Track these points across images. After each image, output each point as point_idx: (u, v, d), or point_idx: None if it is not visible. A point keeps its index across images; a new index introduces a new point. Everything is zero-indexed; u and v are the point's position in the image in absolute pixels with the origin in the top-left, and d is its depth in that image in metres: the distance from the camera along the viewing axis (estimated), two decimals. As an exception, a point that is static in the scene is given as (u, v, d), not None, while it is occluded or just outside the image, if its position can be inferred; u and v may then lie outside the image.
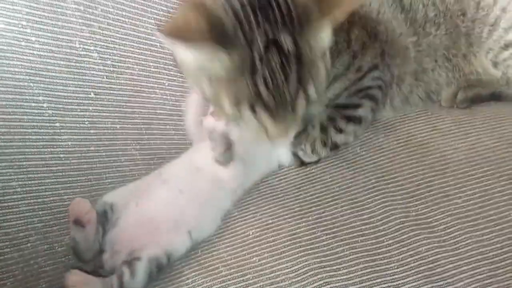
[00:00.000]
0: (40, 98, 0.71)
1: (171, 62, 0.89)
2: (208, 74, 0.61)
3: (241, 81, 0.59)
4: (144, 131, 0.87)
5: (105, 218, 0.69)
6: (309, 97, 0.62)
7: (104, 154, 0.80)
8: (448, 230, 0.76)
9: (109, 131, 0.81)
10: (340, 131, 0.85)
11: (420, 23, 0.92)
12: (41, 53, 0.71)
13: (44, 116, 0.72)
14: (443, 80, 0.97)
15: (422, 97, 0.96)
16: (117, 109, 0.82)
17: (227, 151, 0.73)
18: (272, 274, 0.72)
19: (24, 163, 0.69)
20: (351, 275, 0.72)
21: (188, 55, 0.60)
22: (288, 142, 0.82)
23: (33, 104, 0.71)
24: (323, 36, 0.62)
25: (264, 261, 0.73)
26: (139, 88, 0.86)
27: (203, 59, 0.59)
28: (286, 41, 0.58)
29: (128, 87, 0.85)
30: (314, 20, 0.59)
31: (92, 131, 0.79)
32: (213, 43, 0.56)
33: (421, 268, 0.72)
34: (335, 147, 0.86)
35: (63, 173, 0.74)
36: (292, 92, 0.60)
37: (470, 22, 0.93)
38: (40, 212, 0.71)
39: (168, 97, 0.90)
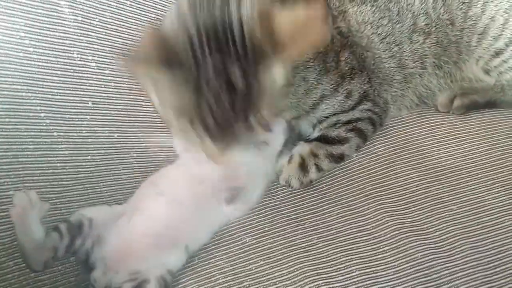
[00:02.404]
0: (38, 108, 0.72)
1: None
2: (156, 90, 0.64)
3: (184, 98, 0.61)
4: (142, 140, 0.87)
5: (77, 230, 0.67)
6: (253, 128, 0.63)
7: (101, 163, 0.80)
8: (444, 237, 0.77)
9: (107, 140, 0.81)
10: (320, 170, 0.86)
11: (407, 33, 0.93)
12: (39, 63, 0.72)
13: (41, 125, 0.72)
14: (434, 85, 0.97)
15: (414, 100, 0.97)
16: (115, 118, 0.83)
17: None
18: (269, 282, 0.72)
19: (21, 172, 0.69)
20: (347, 282, 0.72)
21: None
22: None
23: (31, 114, 0.71)
24: (276, 73, 0.63)
25: (260, 268, 0.74)
26: (137, 97, 0.86)
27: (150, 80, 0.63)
28: (236, 74, 0.59)
29: (126, 96, 0.85)
30: (266, 58, 0.60)
31: (89, 140, 0.79)
32: (157, 64, 0.58)
33: (416, 275, 0.72)
34: (309, 183, 0.86)
35: (60, 182, 0.74)
36: (234, 121, 0.62)
37: (458, 31, 0.94)
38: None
39: (165, 105, 0.90)
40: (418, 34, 0.92)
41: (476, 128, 0.93)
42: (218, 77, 0.59)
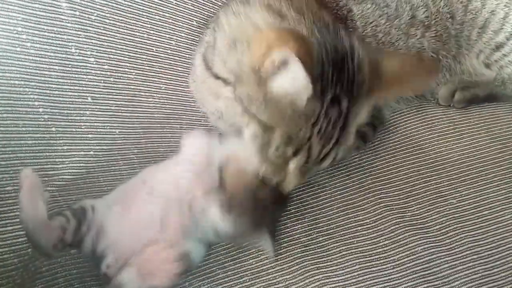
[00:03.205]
0: (36, 103, 0.72)
1: (168, 66, 0.90)
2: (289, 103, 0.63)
3: (301, 125, 0.62)
4: (142, 135, 0.87)
5: (82, 215, 0.66)
6: (337, 156, 0.66)
7: (103, 158, 0.80)
8: (444, 230, 0.77)
9: (109, 135, 0.81)
10: None
11: (404, 29, 0.92)
12: (37, 58, 0.71)
13: (39, 121, 0.72)
14: None
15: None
16: (115, 113, 0.82)
17: None
18: (269, 276, 0.72)
19: (20, 167, 0.68)
20: (347, 276, 0.72)
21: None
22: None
23: (29, 109, 0.71)
24: (366, 110, 0.66)
25: (260, 263, 0.73)
26: (136, 92, 0.86)
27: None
28: (344, 102, 0.62)
29: (126, 92, 0.84)
30: (368, 93, 0.63)
31: (90, 136, 0.78)
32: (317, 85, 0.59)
33: (417, 268, 0.73)
34: None
35: (60, 177, 0.74)
36: (327, 150, 0.64)
37: (458, 25, 0.93)
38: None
39: (165, 100, 0.89)
40: (416, 27, 0.92)
41: (476, 122, 0.93)
42: (332, 107, 0.61)
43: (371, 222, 0.79)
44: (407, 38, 0.91)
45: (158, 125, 0.89)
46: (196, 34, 0.93)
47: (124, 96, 0.83)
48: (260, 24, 0.67)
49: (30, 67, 0.71)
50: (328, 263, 0.74)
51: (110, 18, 0.80)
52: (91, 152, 0.77)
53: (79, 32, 0.76)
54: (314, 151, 0.64)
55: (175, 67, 0.91)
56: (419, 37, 0.92)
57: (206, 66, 0.80)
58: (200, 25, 0.94)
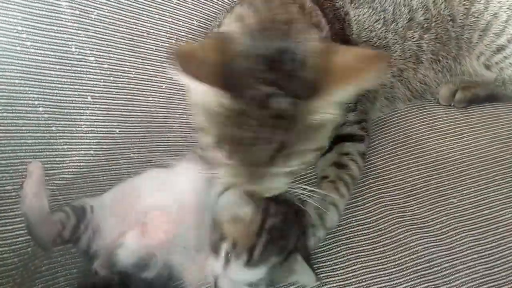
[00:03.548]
0: (36, 102, 0.72)
1: (167, 65, 0.90)
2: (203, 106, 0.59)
3: (228, 124, 0.56)
4: (142, 134, 0.87)
5: (82, 213, 0.66)
6: (288, 163, 0.58)
7: (103, 158, 0.80)
8: (444, 230, 0.77)
9: (109, 134, 0.81)
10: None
11: (401, 32, 0.92)
12: (37, 57, 0.72)
13: (40, 120, 0.72)
14: (430, 79, 0.97)
15: (406, 94, 0.96)
16: (116, 112, 0.83)
17: None
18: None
19: (20, 167, 0.68)
20: (348, 275, 0.72)
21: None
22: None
23: (29, 109, 0.71)
24: (324, 108, 0.58)
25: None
26: (136, 91, 0.86)
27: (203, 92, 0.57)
28: (284, 101, 0.55)
29: (126, 91, 0.85)
30: (319, 90, 0.56)
31: (90, 135, 0.78)
32: (218, 86, 0.54)
33: (417, 268, 0.72)
34: None
35: (60, 176, 0.74)
36: (269, 152, 0.56)
37: (459, 27, 0.93)
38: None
39: (165, 99, 0.90)
40: (414, 30, 0.92)
41: (477, 122, 0.93)
42: (265, 106, 0.54)
43: (371, 221, 0.79)
44: (403, 41, 0.92)
45: (158, 124, 0.89)
46: (197, 33, 0.94)
47: (124, 95, 0.84)
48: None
49: (30, 66, 0.71)
50: (328, 263, 0.73)
51: (109, 17, 0.80)
52: (91, 152, 0.77)
53: (79, 31, 0.76)
54: (248, 154, 0.57)
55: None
56: (416, 39, 0.92)
57: None
58: (200, 24, 0.94)
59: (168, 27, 0.89)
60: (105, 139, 0.80)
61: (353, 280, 0.71)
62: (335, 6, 0.86)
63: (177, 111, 0.91)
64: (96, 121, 0.78)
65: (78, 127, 0.76)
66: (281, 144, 0.56)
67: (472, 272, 0.72)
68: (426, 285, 0.70)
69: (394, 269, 0.72)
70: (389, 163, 0.87)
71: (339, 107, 0.59)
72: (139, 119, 0.86)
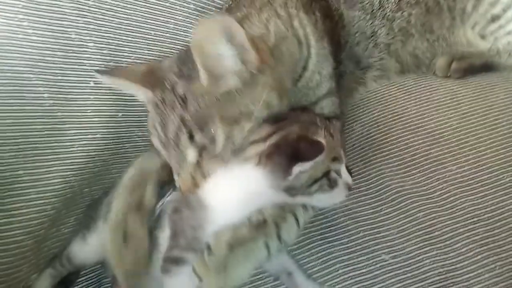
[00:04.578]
0: (40, 88, 0.73)
1: (166, 50, 0.91)
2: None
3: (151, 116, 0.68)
4: (145, 118, 0.88)
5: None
6: (195, 140, 0.63)
7: (111, 141, 0.82)
8: (444, 196, 0.79)
9: (113, 119, 0.83)
10: None
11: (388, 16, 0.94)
12: (39, 45, 0.73)
13: (45, 106, 0.73)
14: (423, 52, 0.98)
15: (398, 67, 0.98)
16: (117, 97, 0.84)
17: None
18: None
19: (30, 152, 0.70)
20: (352, 243, 0.74)
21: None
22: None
23: (35, 95, 0.72)
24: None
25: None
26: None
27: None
28: (179, 87, 0.65)
29: (126, 76, 0.86)
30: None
31: (96, 119, 0.80)
32: (139, 83, 0.69)
33: (419, 233, 0.74)
34: None
35: (71, 161, 0.76)
36: (174, 129, 0.64)
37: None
38: (52, 200, 0.73)
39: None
40: (403, 10, 0.94)
41: (473, 90, 0.94)
42: (168, 94, 0.65)
43: (373, 192, 0.81)
44: (391, 23, 0.93)
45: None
46: (194, 17, 0.94)
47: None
48: None
49: (33, 54, 0.72)
50: (333, 232, 0.76)
51: (107, 3, 0.81)
52: (98, 135, 0.79)
53: (77, 18, 0.77)
54: (159, 133, 0.66)
55: (173, 51, 0.92)
56: (406, 17, 0.93)
57: None
58: (197, 8, 0.95)
59: (165, 11, 0.90)
60: (110, 123, 0.81)
61: (357, 247, 0.74)
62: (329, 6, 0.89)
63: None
64: (100, 105, 0.80)
65: (84, 112, 0.78)
66: (181, 118, 0.63)
67: (473, 235, 0.74)
68: (428, 248, 0.72)
69: (397, 235, 0.75)
70: (388, 135, 0.88)
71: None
72: (141, 103, 0.87)
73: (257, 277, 0.72)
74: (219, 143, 0.63)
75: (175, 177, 0.66)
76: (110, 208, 0.68)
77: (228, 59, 0.61)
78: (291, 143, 0.61)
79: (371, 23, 0.93)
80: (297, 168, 0.59)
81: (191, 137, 0.63)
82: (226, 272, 0.59)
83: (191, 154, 0.64)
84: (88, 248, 0.72)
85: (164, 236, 0.63)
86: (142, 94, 0.71)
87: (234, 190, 0.61)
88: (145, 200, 0.67)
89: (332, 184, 0.64)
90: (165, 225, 0.63)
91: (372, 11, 0.93)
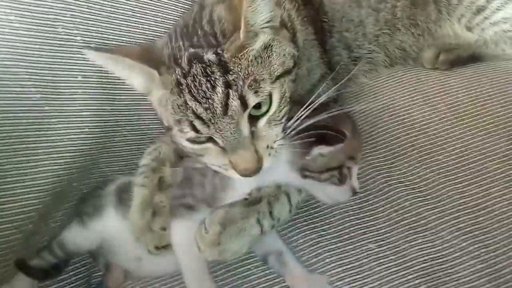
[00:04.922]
0: (28, 83, 0.73)
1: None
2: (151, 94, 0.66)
3: (175, 99, 0.61)
4: (134, 111, 0.89)
5: None
6: (246, 100, 0.59)
7: (98, 135, 0.82)
8: (430, 185, 0.80)
9: (102, 112, 0.83)
10: None
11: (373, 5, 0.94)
12: (26, 38, 0.72)
13: (32, 100, 0.73)
14: (409, 45, 0.99)
15: (387, 60, 0.99)
16: (106, 91, 0.84)
17: None
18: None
19: (17, 146, 0.70)
20: (340, 233, 0.75)
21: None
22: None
23: (22, 89, 0.72)
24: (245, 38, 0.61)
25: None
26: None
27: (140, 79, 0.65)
28: (207, 54, 0.59)
29: (115, 70, 0.86)
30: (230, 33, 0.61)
31: (84, 113, 0.80)
32: (143, 63, 0.62)
33: (405, 221, 0.76)
34: None
35: (60, 155, 0.75)
36: (221, 97, 0.59)
37: None
38: (41, 194, 0.73)
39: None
40: (386, 1, 0.94)
41: (460, 82, 0.95)
42: (194, 65, 0.60)
43: (360, 183, 0.81)
44: (377, 12, 0.94)
45: (148, 102, 0.90)
46: (183, 10, 0.94)
47: (114, 74, 0.85)
48: None
49: (20, 48, 0.72)
50: (321, 222, 0.77)
51: (93, -4, 0.81)
52: (86, 129, 0.79)
53: (64, 12, 0.77)
54: (200, 110, 0.59)
55: (162, 44, 0.92)
56: (390, 8, 0.94)
57: None
58: (185, 1, 0.95)
59: (153, 5, 0.90)
60: (99, 116, 0.81)
61: (345, 237, 0.75)
62: None
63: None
64: (88, 99, 0.80)
65: (71, 106, 0.78)
66: (226, 84, 0.58)
67: (459, 222, 0.75)
68: (414, 236, 0.74)
69: (384, 225, 0.76)
70: (376, 127, 0.90)
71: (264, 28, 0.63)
72: (130, 97, 0.88)
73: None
74: (275, 103, 0.62)
75: (224, 161, 0.63)
76: (131, 194, 0.71)
77: (265, 14, 0.61)
78: (319, 127, 0.64)
79: (357, 11, 0.94)
80: (316, 150, 0.65)
81: (243, 103, 0.59)
82: (220, 246, 0.64)
83: (246, 125, 0.61)
84: (87, 233, 0.73)
85: None
86: (144, 76, 0.64)
87: None
88: (165, 179, 0.71)
89: (342, 180, 0.67)
90: None
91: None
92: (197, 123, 0.60)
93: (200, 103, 0.59)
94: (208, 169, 0.66)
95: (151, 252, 0.69)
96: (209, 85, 0.59)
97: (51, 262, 0.72)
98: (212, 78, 0.59)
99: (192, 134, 0.61)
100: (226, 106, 0.59)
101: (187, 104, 0.60)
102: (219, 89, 0.58)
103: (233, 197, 0.67)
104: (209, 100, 0.59)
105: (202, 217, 0.65)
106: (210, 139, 0.62)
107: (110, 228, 0.72)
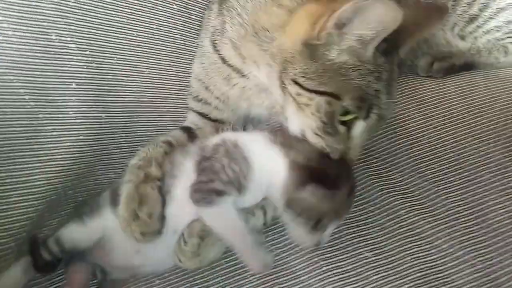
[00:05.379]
0: (21, 90, 0.72)
1: (149, 51, 0.91)
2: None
3: (369, 80, 0.65)
4: (129, 119, 0.88)
5: None
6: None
7: (93, 143, 0.82)
8: (425, 194, 0.80)
9: (96, 120, 0.82)
10: None
11: None
12: (19, 46, 0.72)
13: (26, 108, 0.73)
14: (403, 53, 0.98)
15: None
16: (100, 98, 0.83)
17: None
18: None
19: (11, 154, 0.70)
20: (335, 241, 0.75)
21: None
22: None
23: (15, 97, 0.72)
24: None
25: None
26: (120, 77, 0.87)
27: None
28: (393, 54, 0.69)
29: (109, 76, 0.85)
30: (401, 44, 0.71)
31: (78, 121, 0.79)
32: None
33: (400, 230, 0.76)
34: None
35: (54, 163, 0.75)
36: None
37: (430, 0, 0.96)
38: (35, 202, 0.72)
39: (149, 84, 0.91)
40: None
41: (454, 90, 0.96)
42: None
43: (356, 191, 0.81)
44: None
45: (144, 109, 0.90)
46: (177, 18, 0.94)
47: (108, 81, 0.85)
48: (285, 4, 0.71)
49: (13, 55, 0.71)
50: (317, 231, 0.76)
51: (88, 4, 0.81)
52: (81, 137, 0.79)
53: (58, 19, 0.76)
54: (383, 105, 0.67)
55: (157, 51, 0.92)
56: None
57: (214, 49, 0.82)
58: (180, 8, 0.95)
59: (148, 12, 0.90)
60: (93, 124, 0.81)
61: (341, 245, 0.75)
62: None
63: (163, 95, 0.93)
64: (82, 107, 0.79)
65: (66, 113, 0.77)
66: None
67: (453, 231, 0.75)
68: (410, 245, 0.74)
69: (380, 233, 0.76)
70: (371, 136, 0.89)
71: None
72: (125, 104, 0.87)
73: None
74: None
75: (342, 144, 0.68)
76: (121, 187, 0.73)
77: None
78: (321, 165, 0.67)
79: None
80: (310, 189, 0.65)
81: None
82: (200, 257, 0.69)
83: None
84: (86, 230, 0.73)
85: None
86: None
87: None
88: (151, 172, 0.73)
89: (316, 229, 0.67)
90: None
91: None
92: (374, 112, 0.66)
93: (388, 100, 0.68)
94: (223, 158, 0.68)
95: (138, 239, 0.69)
96: (391, 90, 0.69)
97: (46, 259, 0.71)
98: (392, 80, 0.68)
99: (361, 115, 0.66)
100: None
101: (379, 93, 0.66)
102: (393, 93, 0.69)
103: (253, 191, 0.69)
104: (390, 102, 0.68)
105: (233, 201, 0.68)
106: (350, 125, 0.67)
107: (109, 225, 0.73)
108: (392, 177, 0.83)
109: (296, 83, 0.67)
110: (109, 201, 0.74)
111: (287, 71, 0.68)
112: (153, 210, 0.69)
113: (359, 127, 0.67)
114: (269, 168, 0.69)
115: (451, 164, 0.83)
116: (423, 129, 0.89)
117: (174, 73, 0.94)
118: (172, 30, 0.93)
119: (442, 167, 0.83)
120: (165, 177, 0.72)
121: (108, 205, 0.73)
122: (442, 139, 0.87)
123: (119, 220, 0.70)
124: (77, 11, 0.79)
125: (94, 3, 0.81)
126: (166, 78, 0.93)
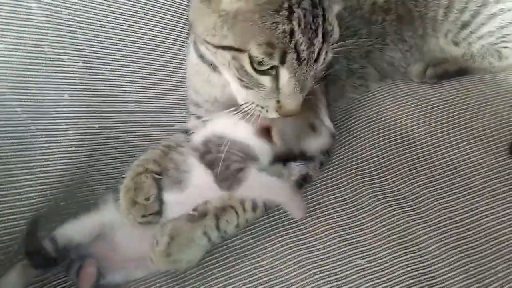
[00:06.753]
0: (14, 103, 0.73)
1: (143, 61, 0.91)
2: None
3: (275, 22, 0.59)
4: (122, 129, 0.89)
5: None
6: (326, 57, 0.64)
7: (85, 154, 0.82)
8: (418, 200, 0.80)
9: (89, 131, 0.83)
10: None
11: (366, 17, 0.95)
12: (11, 59, 0.73)
13: (19, 120, 0.73)
14: (397, 60, 1.00)
15: (377, 76, 0.99)
16: (93, 109, 0.84)
17: None
18: (253, 255, 0.75)
19: (3, 166, 0.70)
20: (329, 248, 0.75)
21: None
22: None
23: (7, 109, 0.72)
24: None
25: (245, 242, 0.77)
26: (113, 88, 0.87)
27: None
28: None
29: (102, 87, 0.86)
30: None
31: (70, 132, 0.80)
32: None
33: (394, 237, 0.76)
34: None
35: (46, 174, 0.75)
36: (318, 46, 0.62)
37: (423, 6, 0.96)
38: (27, 214, 0.72)
39: (143, 95, 0.91)
40: (377, 14, 0.95)
41: (448, 95, 0.96)
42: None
43: (348, 198, 0.81)
44: (369, 25, 0.94)
45: (138, 119, 0.91)
46: (171, 28, 0.95)
47: (101, 92, 0.85)
48: None
49: (5, 68, 0.72)
50: (309, 239, 0.76)
51: (81, 16, 0.82)
52: (73, 148, 0.79)
53: (50, 31, 0.77)
54: (303, 47, 0.60)
55: (151, 62, 0.92)
56: (380, 22, 0.95)
57: (195, 50, 0.81)
58: (174, 18, 0.96)
59: (142, 23, 0.91)
60: (86, 135, 0.81)
61: (334, 252, 0.75)
62: None
63: (157, 105, 0.93)
64: (75, 118, 0.80)
65: (58, 125, 0.77)
66: (323, 36, 0.62)
67: (446, 237, 0.75)
68: (402, 252, 0.73)
69: (372, 240, 0.76)
70: (364, 142, 0.90)
71: None
72: (118, 114, 0.88)
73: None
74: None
75: (270, 102, 0.66)
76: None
77: None
78: None
79: (351, 19, 0.94)
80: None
81: (324, 59, 0.65)
82: (171, 257, 0.70)
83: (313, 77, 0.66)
84: (83, 225, 0.76)
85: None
86: None
87: None
88: (149, 167, 0.78)
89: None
90: None
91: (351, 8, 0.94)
92: (290, 57, 0.60)
93: (308, 40, 0.60)
94: (218, 148, 0.73)
95: (140, 222, 0.73)
96: (314, 28, 0.61)
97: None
98: (316, 24, 0.61)
99: (275, 62, 0.61)
100: (318, 55, 0.63)
101: (293, 34, 0.59)
102: (320, 38, 0.61)
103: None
104: (313, 41, 0.61)
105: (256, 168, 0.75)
106: (274, 75, 0.63)
107: (111, 218, 0.77)
108: (385, 182, 0.83)
109: (205, 41, 0.66)
110: (112, 200, 0.78)
111: (196, 33, 0.70)
112: (149, 194, 0.74)
113: (283, 75, 0.63)
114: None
115: (443, 170, 0.83)
116: (416, 134, 0.89)
117: (168, 83, 0.95)
118: (166, 40, 0.94)
119: (434, 173, 0.83)
120: (169, 172, 0.77)
121: (111, 203, 0.78)
122: (435, 144, 0.87)
123: (121, 210, 0.74)
124: (69, 23, 0.80)
125: (86, 15, 0.82)
126: (160, 88, 0.94)
